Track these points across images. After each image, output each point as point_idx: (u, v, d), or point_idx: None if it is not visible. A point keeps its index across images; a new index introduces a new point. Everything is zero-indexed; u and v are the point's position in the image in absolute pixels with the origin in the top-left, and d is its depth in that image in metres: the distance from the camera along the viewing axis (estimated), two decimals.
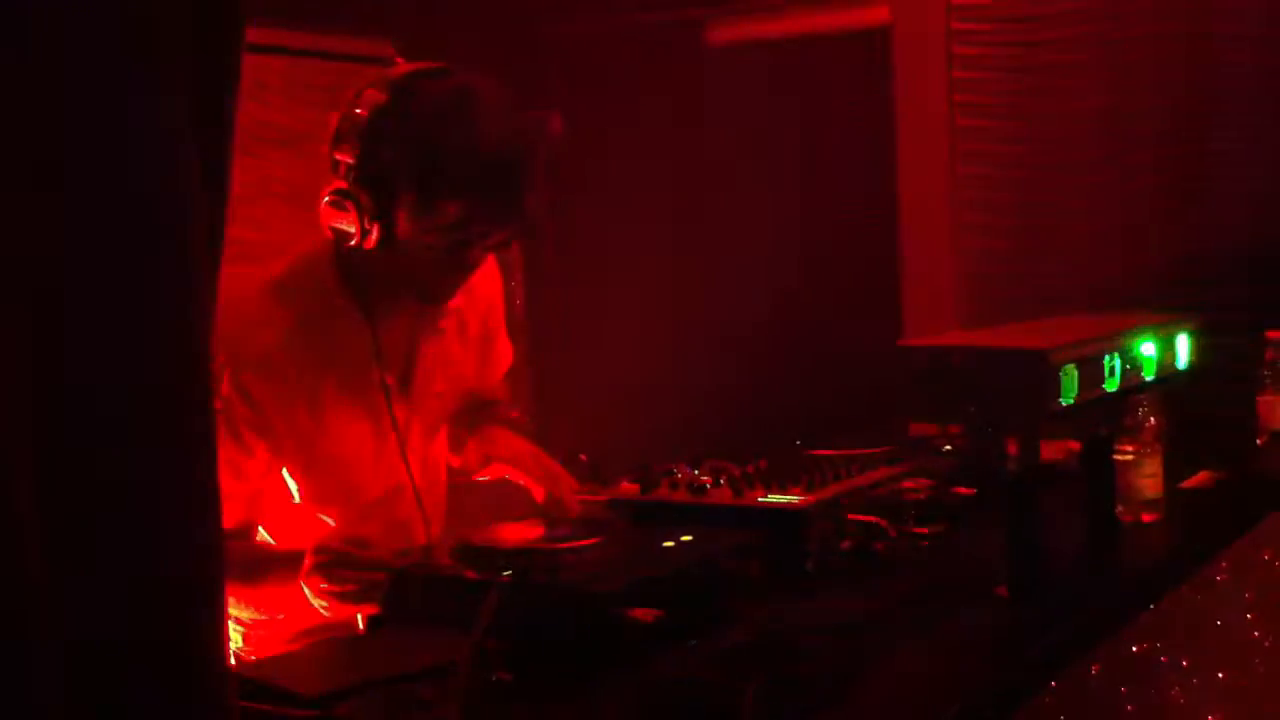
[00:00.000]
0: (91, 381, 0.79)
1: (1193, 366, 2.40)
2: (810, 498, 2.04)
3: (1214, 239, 3.49)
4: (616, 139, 4.32)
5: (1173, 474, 2.35)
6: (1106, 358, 2.00)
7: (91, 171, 0.76)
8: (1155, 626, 2.05)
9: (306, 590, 1.94)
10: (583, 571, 1.78)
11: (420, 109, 1.96)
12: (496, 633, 1.67)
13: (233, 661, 2.21)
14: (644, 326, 4.19)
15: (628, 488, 2.21)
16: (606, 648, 1.66)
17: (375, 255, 2.00)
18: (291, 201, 3.92)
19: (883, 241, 4.02)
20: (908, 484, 2.23)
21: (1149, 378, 2.15)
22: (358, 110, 1.97)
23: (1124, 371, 2.04)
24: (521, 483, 2.24)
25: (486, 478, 2.34)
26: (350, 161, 1.97)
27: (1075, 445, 2.29)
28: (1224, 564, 2.32)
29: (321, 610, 1.95)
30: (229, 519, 2.05)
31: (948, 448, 2.40)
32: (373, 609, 1.88)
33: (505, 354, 2.47)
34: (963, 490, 2.28)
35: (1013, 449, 2.18)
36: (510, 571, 1.77)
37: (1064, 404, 1.87)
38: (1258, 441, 2.82)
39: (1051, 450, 2.28)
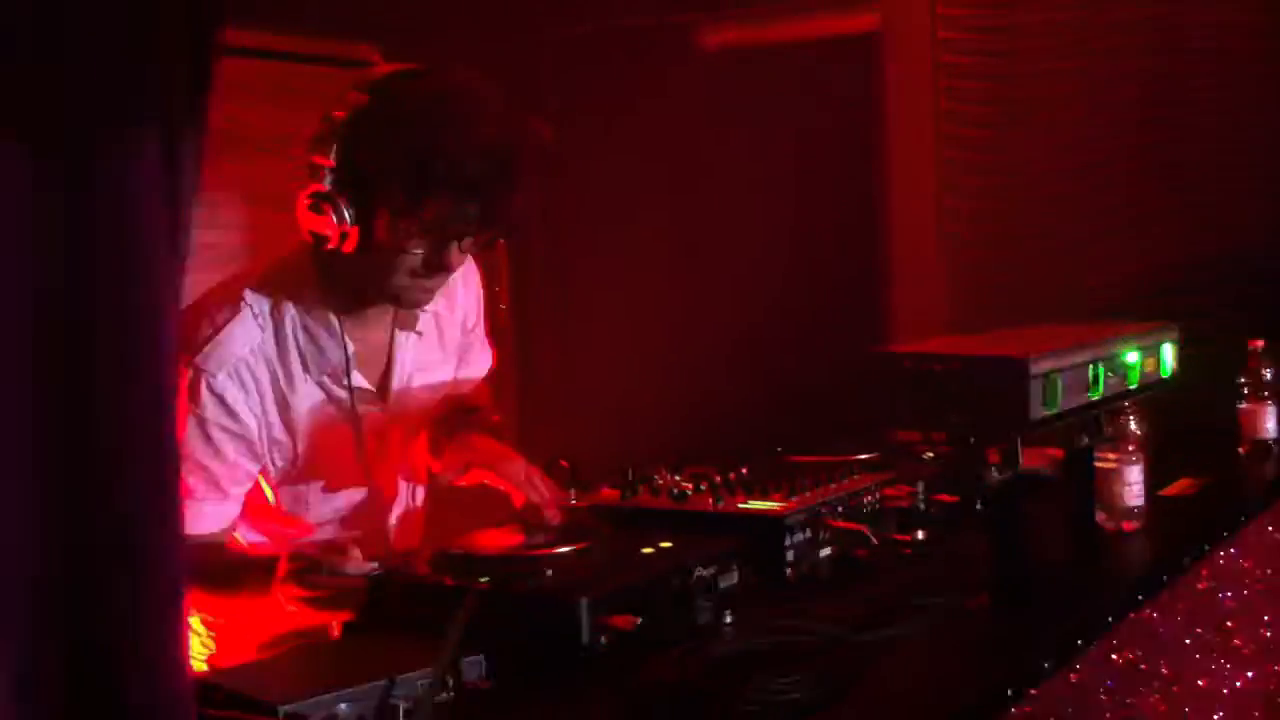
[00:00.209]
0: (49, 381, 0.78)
1: (1175, 375, 2.40)
2: (790, 505, 2.03)
3: (1195, 247, 3.50)
4: (605, 143, 4.32)
5: (1154, 482, 2.35)
6: (1089, 366, 2.00)
7: (43, 174, 0.74)
8: (1136, 634, 2.04)
9: (281, 597, 1.92)
10: (561, 579, 1.76)
11: (399, 110, 1.94)
12: (474, 640, 1.66)
13: (205, 669, 2.19)
14: (629, 331, 4.19)
15: (608, 494, 2.20)
16: (585, 655, 1.65)
17: (354, 259, 1.99)
18: (274, 205, 3.91)
19: (869, 247, 4.02)
20: (889, 491, 2.22)
21: (1131, 386, 2.15)
22: (336, 112, 1.96)
23: (1106, 380, 2.03)
24: (500, 489, 2.22)
25: (465, 484, 2.32)
26: (329, 164, 1.95)
27: (1057, 453, 2.29)
28: (1205, 572, 2.32)
29: (296, 617, 1.93)
30: (203, 525, 2.04)
31: (929, 455, 2.39)
32: (348, 616, 1.86)
33: (486, 358, 2.46)
34: (944, 498, 2.27)
35: (994, 457, 2.17)
36: (488, 578, 1.76)
37: (1046, 413, 1.86)
38: (1239, 450, 2.82)
39: (1033, 458, 2.27)
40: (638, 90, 4.36)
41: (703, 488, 2.16)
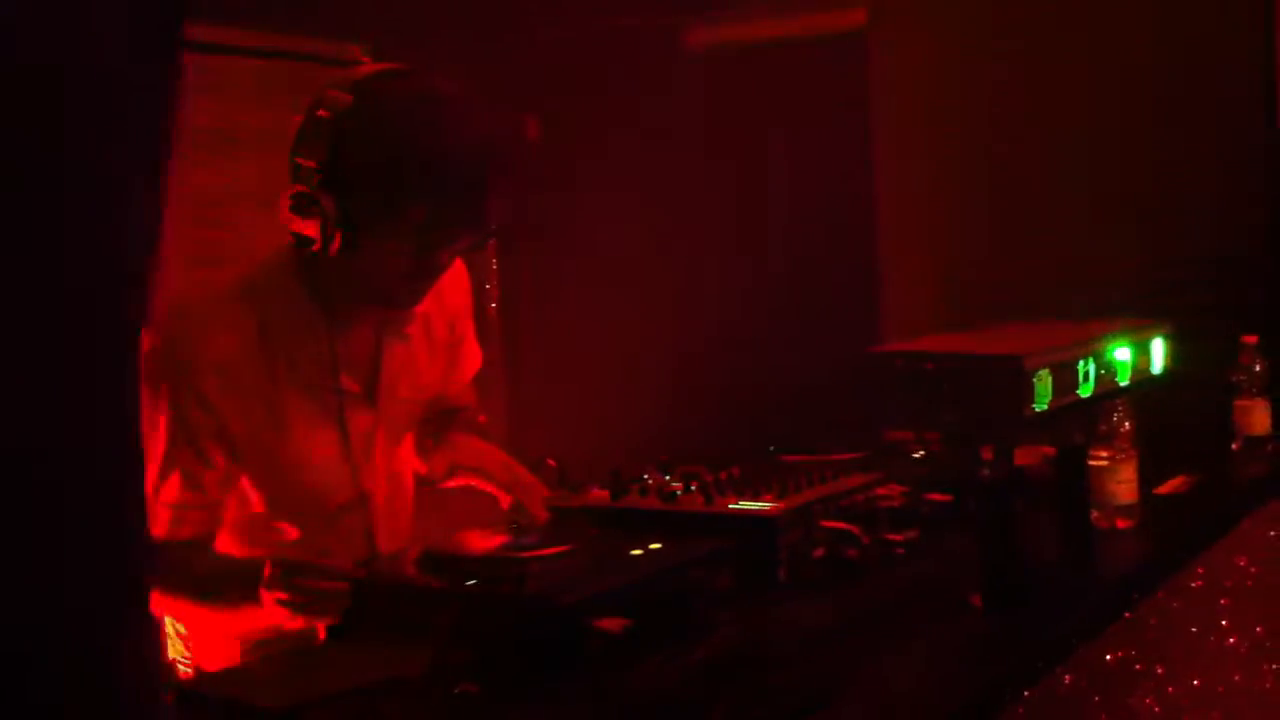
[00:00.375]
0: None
1: (1168, 371, 2.38)
2: (782, 505, 2.01)
3: (1188, 245, 3.48)
4: (594, 143, 4.30)
5: (1148, 479, 2.33)
6: (1081, 363, 1.98)
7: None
8: (1130, 634, 2.02)
9: (265, 601, 1.89)
10: (549, 581, 1.74)
11: (384, 110, 1.91)
12: (460, 644, 1.64)
13: (190, 673, 2.17)
14: (619, 330, 4.17)
15: (597, 494, 2.17)
16: (573, 659, 1.63)
17: (339, 260, 1.96)
18: (264, 204, 3.88)
19: (859, 245, 4.00)
20: (881, 491, 2.20)
21: (1124, 383, 2.13)
22: (320, 112, 1.93)
23: (1099, 377, 2.01)
24: (488, 490, 2.20)
25: (452, 485, 2.30)
26: (313, 165, 1.92)
27: (1050, 450, 2.27)
28: (1200, 570, 2.30)
29: (281, 621, 1.91)
30: (187, 529, 2.02)
31: (921, 454, 2.38)
32: (333, 620, 1.83)
33: (473, 359, 2.43)
34: (937, 497, 2.25)
35: (987, 455, 2.15)
36: (475, 581, 1.73)
37: (1038, 410, 1.84)
38: (1233, 446, 2.81)
39: (1026, 455, 2.26)
40: (626, 90, 4.34)
41: (693, 488, 2.14)
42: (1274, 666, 2.55)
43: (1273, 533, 2.62)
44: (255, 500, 2.08)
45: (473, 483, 2.21)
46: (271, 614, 1.91)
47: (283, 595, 1.87)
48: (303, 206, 1.93)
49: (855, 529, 2.06)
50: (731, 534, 1.96)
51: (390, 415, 2.18)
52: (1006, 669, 1.74)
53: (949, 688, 1.67)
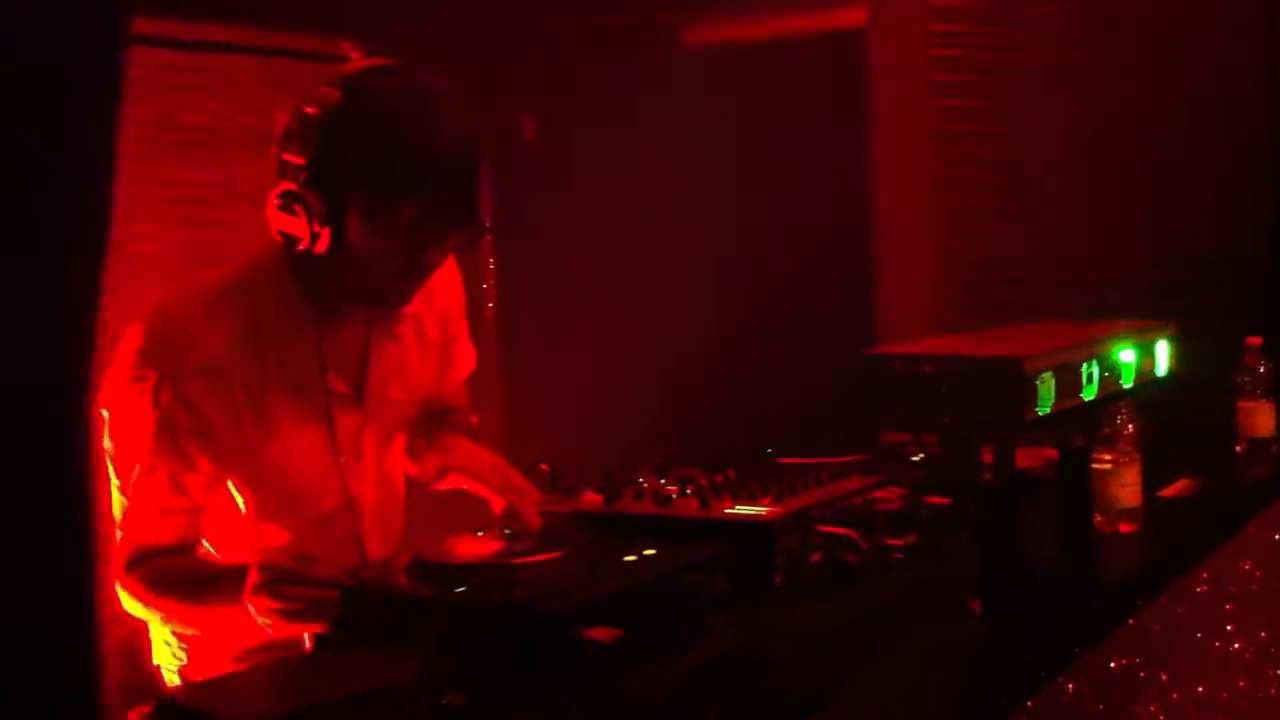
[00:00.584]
0: None
1: (1172, 373, 2.34)
2: (778, 509, 1.97)
3: (1191, 245, 3.44)
4: (590, 142, 4.26)
5: (1151, 482, 2.30)
6: (1084, 366, 1.94)
7: None
8: (1134, 640, 1.98)
9: (251, 609, 1.85)
10: (540, 589, 1.70)
11: (372, 107, 1.88)
12: (448, 653, 1.60)
13: (178, 681, 2.14)
14: (616, 330, 4.13)
15: (591, 498, 2.13)
16: (564, 669, 1.59)
17: (328, 259, 1.92)
18: (260, 203, 3.84)
19: (857, 245, 3.96)
20: (879, 494, 2.16)
21: (1127, 386, 2.09)
22: (308, 109, 1.89)
23: (1102, 379, 1.97)
24: (479, 494, 2.16)
25: (443, 488, 2.26)
26: (300, 162, 1.89)
27: (1052, 453, 2.23)
28: (1204, 574, 2.26)
29: (267, 630, 1.87)
30: (171, 534, 1.99)
31: (920, 456, 2.34)
32: (320, 628, 1.80)
33: (466, 359, 2.39)
34: (936, 500, 2.21)
35: (987, 457, 2.12)
36: (464, 589, 1.70)
37: (1041, 413, 1.80)
38: (1237, 449, 2.77)
39: (1028, 458, 2.22)
40: (623, 88, 4.30)
41: (688, 492, 2.10)
42: (1279, 672, 2.52)
43: (1278, 536, 2.58)
44: (242, 503, 2.04)
45: (464, 486, 2.17)
46: (258, 622, 1.87)
47: (268, 603, 1.83)
48: (290, 205, 1.89)
49: (853, 533, 2.02)
50: (727, 539, 1.92)
51: (380, 416, 2.14)
52: (1005, 676, 1.70)
53: (948, 698, 1.64)
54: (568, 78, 4.37)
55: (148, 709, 1.50)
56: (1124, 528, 2.21)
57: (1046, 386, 1.82)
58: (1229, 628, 2.35)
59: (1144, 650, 2.01)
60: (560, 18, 4.35)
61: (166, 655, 2.18)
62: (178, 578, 1.98)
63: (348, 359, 2.09)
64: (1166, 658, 2.11)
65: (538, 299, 4.48)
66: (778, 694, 1.58)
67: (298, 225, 1.89)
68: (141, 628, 2.16)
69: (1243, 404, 2.77)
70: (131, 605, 2.03)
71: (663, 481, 2.18)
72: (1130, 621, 1.97)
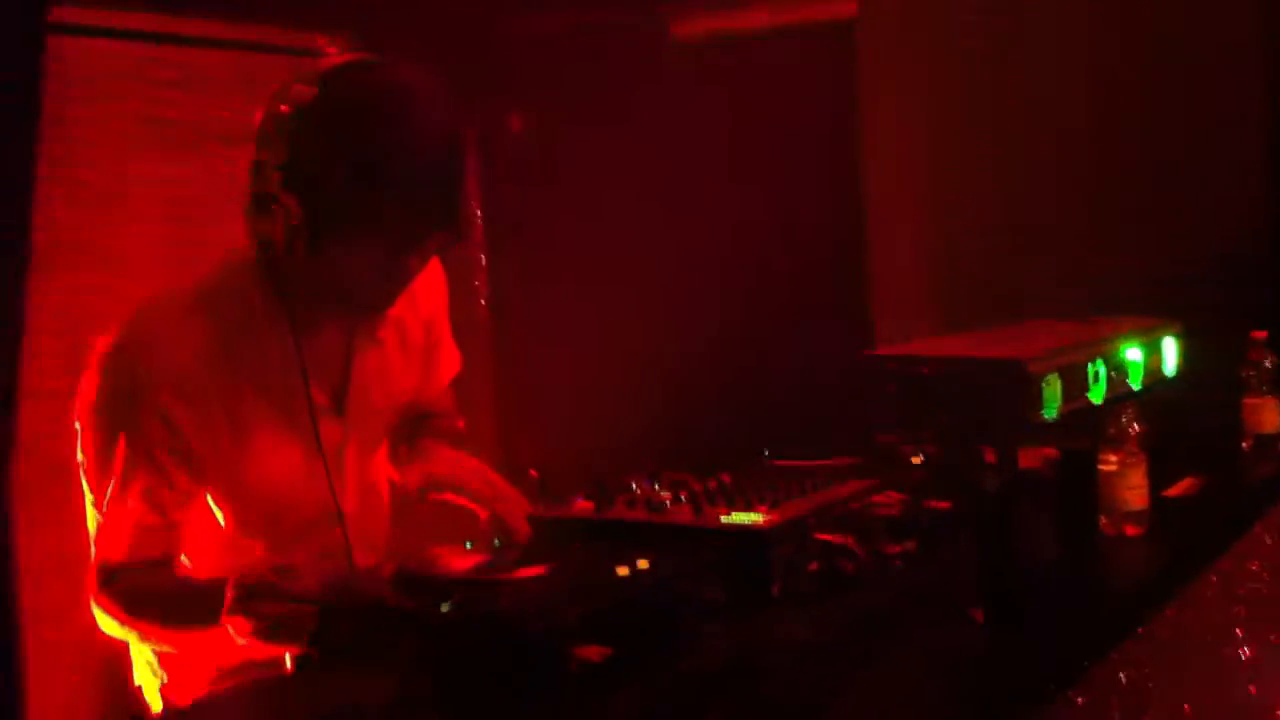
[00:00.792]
0: None
1: (1178, 372, 2.28)
2: (775, 516, 1.91)
3: (1193, 241, 3.39)
4: (582, 139, 4.20)
5: (1156, 481, 2.23)
6: (1089, 366, 1.88)
7: None
8: (1142, 649, 1.92)
9: (230, 628, 1.78)
10: (528, 604, 1.64)
11: (348, 104, 1.80)
12: (430, 672, 1.54)
13: (159, 701, 2.07)
14: (609, 329, 4.08)
15: (582, 506, 2.07)
16: (552, 689, 1.52)
17: (305, 263, 1.85)
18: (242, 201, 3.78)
19: (851, 243, 3.91)
20: (878, 499, 2.09)
21: (1135, 387, 2.03)
22: (282, 107, 1.82)
23: (1108, 379, 1.91)
24: (464, 505, 2.09)
25: (428, 498, 2.19)
26: (275, 163, 1.81)
27: (1053, 452, 2.17)
28: (1213, 578, 2.20)
29: (245, 648, 1.80)
30: (147, 550, 1.92)
31: (919, 459, 2.27)
32: (300, 646, 1.73)
33: (451, 362, 2.33)
34: (936, 504, 2.14)
35: (989, 458, 2.05)
36: (448, 604, 1.63)
37: (1046, 417, 1.74)
38: (1242, 445, 2.71)
39: (1029, 458, 2.16)
40: (614, 84, 4.24)
41: (682, 498, 2.04)
42: None
43: None
44: (221, 517, 1.98)
45: (449, 497, 2.10)
46: (236, 640, 1.80)
47: (246, 621, 1.76)
48: (265, 207, 1.82)
49: (851, 541, 1.96)
50: (722, 548, 1.86)
51: (362, 425, 2.08)
52: (1007, 686, 1.64)
53: (946, 703, 1.58)
54: (558, 73, 4.31)
55: None
56: (1130, 530, 2.15)
57: (1051, 389, 1.75)
58: (1239, 632, 2.29)
59: (1155, 659, 1.95)
60: (550, 13, 4.29)
61: (147, 675, 2.11)
62: (154, 596, 1.92)
63: (328, 366, 2.02)
64: (1176, 666, 2.05)
65: (530, 297, 4.42)
66: (774, 704, 1.52)
67: (273, 228, 1.82)
68: (122, 647, 2.09)
69: (1248, 400, 2.71)
70: (107, 624, 1.96)
71: (655, 487, 2.12)
72: (1140, 631, 1.90)
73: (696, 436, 3.36)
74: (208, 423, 1.89)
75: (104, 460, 1.88)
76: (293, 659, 1.77)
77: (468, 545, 1.94)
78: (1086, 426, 2.05)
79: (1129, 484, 2.14)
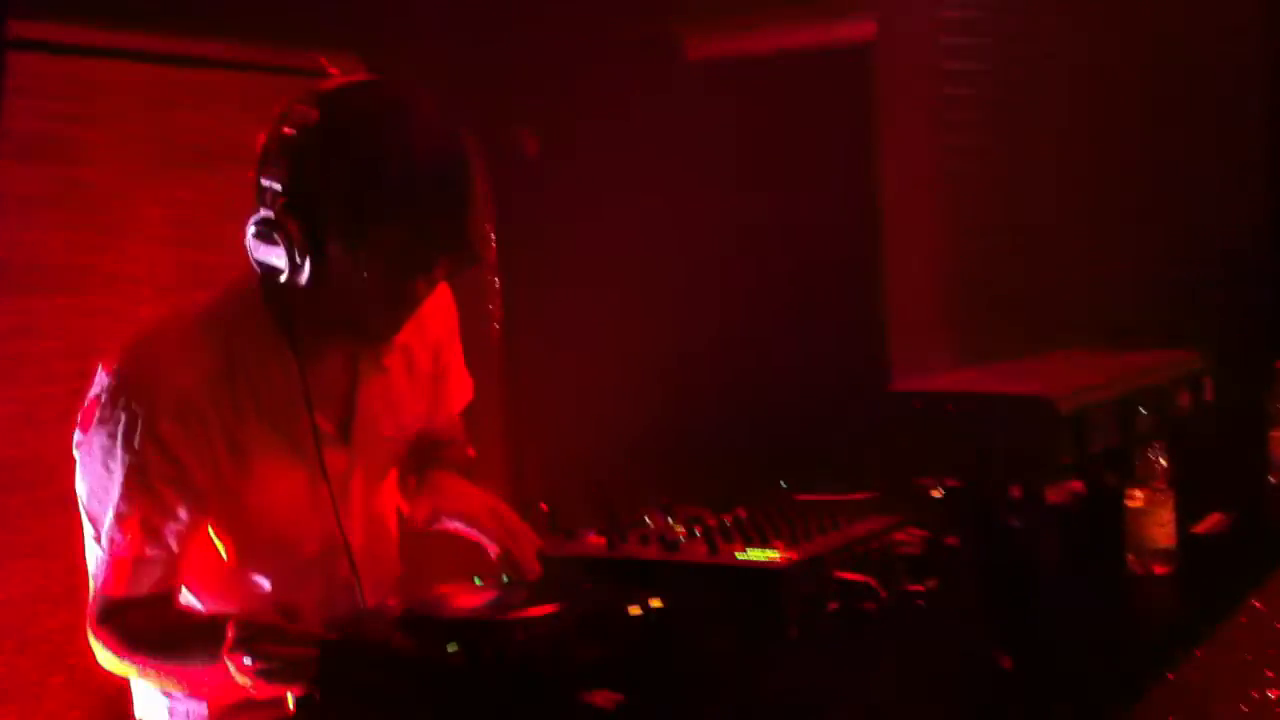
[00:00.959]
0: None
1: (1203, 405, 2.21)
2: (792, 554, 1.85)
3: (1209, 264, 3.33)
4: (595, 157, 4.16)
5: (1184, 517, 2.17)
6: (1117, 401, 1.81)
7: None
8: (1175, 697, 1.86)
9: (231, 667, 1.73)
10: (536, 646, 1.58)
11: (350, 125, 1.75)
12: (436, 716, 1.48)
13: None
14: (626, 352, 4.03)
15: (593, 541, 2.01)
16: None
17: (309, 289, 1.80)
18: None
19: (867, 265, 3.86)
20: (899, 536, 2.03)
21: (1166, 421, 1.97)
22: (284, 129, 1.77)
23: (1140, 416, 1.85)
24: (474, 540, 2.03)
25: (437, 530, 2.13)
26: (277, 187, 1.76)
27: (1078, 485, 2.11)
28: (1243, 619, 2.13)
29: (246, 689, 1.74)
30: (146, 585, 1.87)
31: (940, 493, 2.21)
32: (301, 687, 1.67)
33: (462, 390, 2.27)
34: (958, 542, 2.08)
35: (1015, 493, 1.99)
36: (455, 645, 1.58)
37: (1074, 453, 1.68)
38: (1270, 479, 2.64)
39: (1056, 494, 2.10)
40: (630, 102, 4.19)
41: (697, 533, 1.98)
42: None
43: None
44: (223, 550, 1.92)
45: (457, 530, 2.04)
46: (237, 680, 1.75)
47: (246, 661, 1.71)
48: (268, 233, 1.77)
49: (872, 581, 1.90)
50: (737, 587, 1.80)
51: (368, 455, 2.02)
52: None
53: None
54: (572, 94, 4.27)
55: None
56: (1159, 569, 2.09)
57: (1080, 426, 1.69)
58: (1269, 674, 2.22)
59: (1187, 708, 1.89)
60: (565, 31, 4.25)
61: (149, 709, 2.06)
62: (154, 632, 1.86)
63: (333, 395, 1.97)
64: (1205, 711, 1.98)
65: (543, 323, 4.37)
66: None
67: (276, 255, 1.77)
68: (123, 681, 2.04)
69: (1275, 433, 2.64)
70: (106, 659, 1.91)
71: (670, 521, 2.06)
72: (1170, 677, 1.84)
73: (712, 466, 3.31)
74: (209, 453, 1.84)
75: (103, 490, 1.83)
76: (295, 699, 1.72)
77: (476, 581, 1.88)
78: (1113, 462, 1.99)
79: (1157, 521, 2.08)
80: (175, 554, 1.87)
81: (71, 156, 3.48)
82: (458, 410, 2.29)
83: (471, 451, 2.32)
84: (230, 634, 1.72)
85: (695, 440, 3.75)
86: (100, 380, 1.84)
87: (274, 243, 1.76)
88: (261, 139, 1.80)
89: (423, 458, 2.18)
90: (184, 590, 1.96)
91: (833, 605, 1.88)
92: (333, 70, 1.85)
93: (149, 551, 1.84)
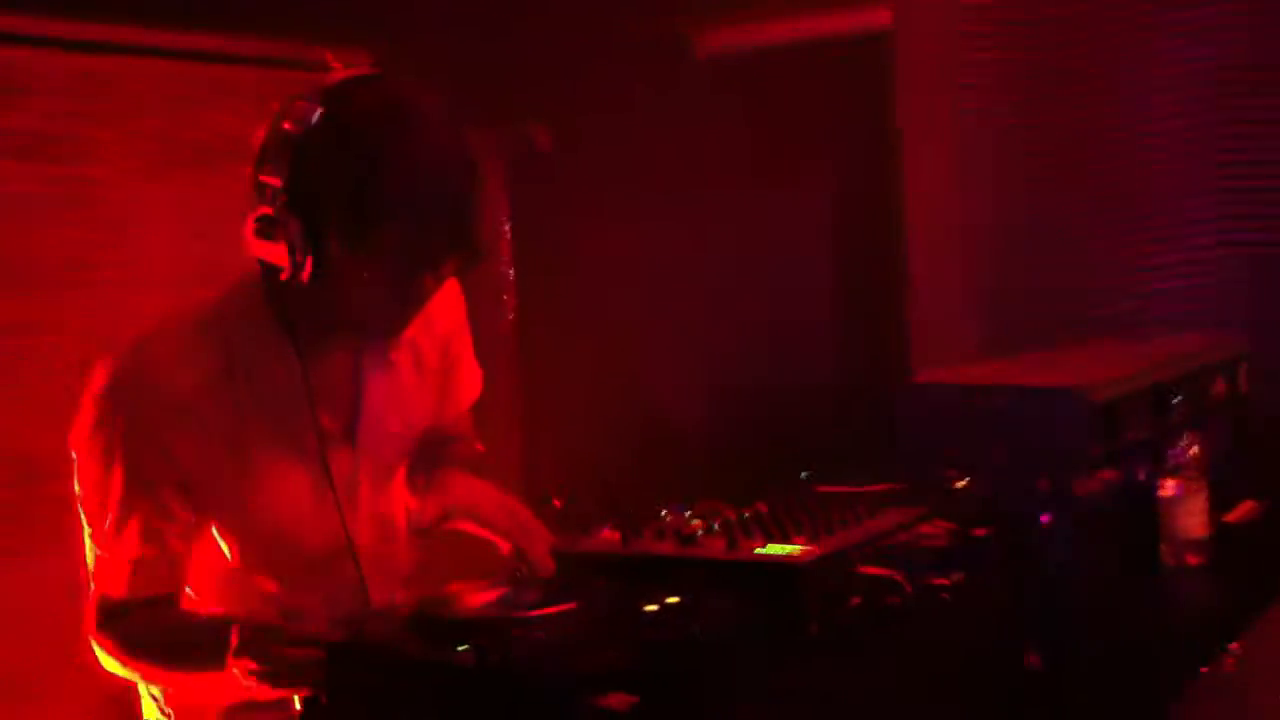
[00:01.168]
0: None
1: (1236, 392, 2.15)
2: (814, 549, 1.79)
3: (1237, 250, 3.26)
4: (608, 153, 4.13)
5: (1216, 506, 2.11)
6: (1149, 390, 1.75)
7: None
8: (1214, 693, 1.80)
9: (236, 670, 1.68)
10: (548, 646, 1.53)
11: (351, 121, 1.69)
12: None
13: None
14: (641, 349, 3.99)
15: (607, 537, 1.96)
16: None
17: (311, 287, 1.74)
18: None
19: (888, 256, 3.80)
20: (925, 529, 1.97)
21: (1201, 411, 1.90)
22: (284, 125, 1.72)
23: (1174, 406, 1.79)
24: (484, 537, 1.98)
25: (447, 528, 2.07)
26: (277, 184, 1.71)
27: (1111, 478, 2.05)
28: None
29: (251, 691, 1.70)
30: (148, 586, 1.83)
31: (966, 483, 2.14)
32: (307, 690, 1.63)
33: (471, 384, 2.22)
34: (985, 533, 2.02)
35: (1043, 486, 1.93)
36: (462, 647, 1.52)
37: (1104, 445, 1.62)
38: None
39: (1086, 485, 2.03)
40: (643, 97, 4.15)
41: (715, 528, 1.92)
42: None
43: None
44: (227, 551, 1.88)
45: (468, 529, 1.99)
46: (242, 683, 1.70)
47: (251, 665, 1.66)
48: (269, 231, 1.72)
49: (897, 576, 1.84)
50: (757, 583, 1.74)
51: (374, 454, 1.97)
52: None
53: None
54: (586, 86, 4.23)
55: None
56: (1191, 559, 2.03)
57: (1112, 416, 1.63)
58: None
59: (1220, 697, 1.83)
60: (576, 25, 4.21)
61: (154, 711, 2.02)
62: (156, 635, 1.82)
63: (337, 393, 1.92)
64: (1245, 705, 1.92)
65: (558, 314, 4.33)
66: None
67: (278, 253, 1.72)
68: (129, 682, 2.00)
69: None
70: (108, 663, 1.87)
71: (686, 516, 2.00)
72: (1205, 671, 1.78)
73: (730, 459, 3.26)
74: (209, 453, 1.79)
75: (101, 492, 1.79)
76: (301, 701, 1.67)
77: (486, 581, 1.83)
78: (1146, 452, 1.92)
79: (1189, 511, 2.03)
80: (176, 555, 1.83)
81: (81, 153, 3.45)
82: (467, 405, 2.23)
83: (481, 446, 2.27)
84: (235, 637, 1.67)
85: (713, 432, 3.71)
86: (98, 380, 1.80)
87: (274, 240, 1.72)
88: (260, 134, 1.75)
89: (431, 454, 2.12)
90: (187, 590, 1.91)
91: (855, 601, 1.82)
92: (335, 65, 1.80)
93: (148, 553, 1.80)
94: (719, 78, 4.17)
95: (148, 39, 3.51)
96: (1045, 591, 1.71)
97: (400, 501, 2.08)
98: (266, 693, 1.68)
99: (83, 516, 1.84)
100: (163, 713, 2.01)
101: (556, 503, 2.03)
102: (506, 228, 4.30)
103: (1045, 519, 1.65)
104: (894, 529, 1.92)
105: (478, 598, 1.71)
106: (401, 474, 2.08)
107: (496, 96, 3.98)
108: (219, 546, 1.88)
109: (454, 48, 4.02)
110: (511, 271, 4.42)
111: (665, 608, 1.64)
